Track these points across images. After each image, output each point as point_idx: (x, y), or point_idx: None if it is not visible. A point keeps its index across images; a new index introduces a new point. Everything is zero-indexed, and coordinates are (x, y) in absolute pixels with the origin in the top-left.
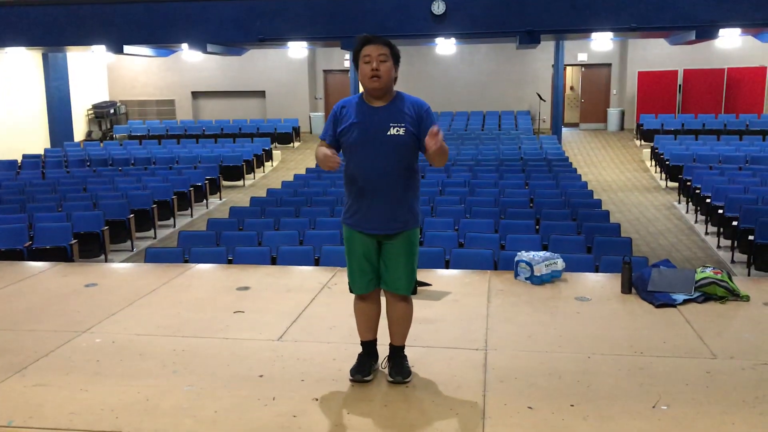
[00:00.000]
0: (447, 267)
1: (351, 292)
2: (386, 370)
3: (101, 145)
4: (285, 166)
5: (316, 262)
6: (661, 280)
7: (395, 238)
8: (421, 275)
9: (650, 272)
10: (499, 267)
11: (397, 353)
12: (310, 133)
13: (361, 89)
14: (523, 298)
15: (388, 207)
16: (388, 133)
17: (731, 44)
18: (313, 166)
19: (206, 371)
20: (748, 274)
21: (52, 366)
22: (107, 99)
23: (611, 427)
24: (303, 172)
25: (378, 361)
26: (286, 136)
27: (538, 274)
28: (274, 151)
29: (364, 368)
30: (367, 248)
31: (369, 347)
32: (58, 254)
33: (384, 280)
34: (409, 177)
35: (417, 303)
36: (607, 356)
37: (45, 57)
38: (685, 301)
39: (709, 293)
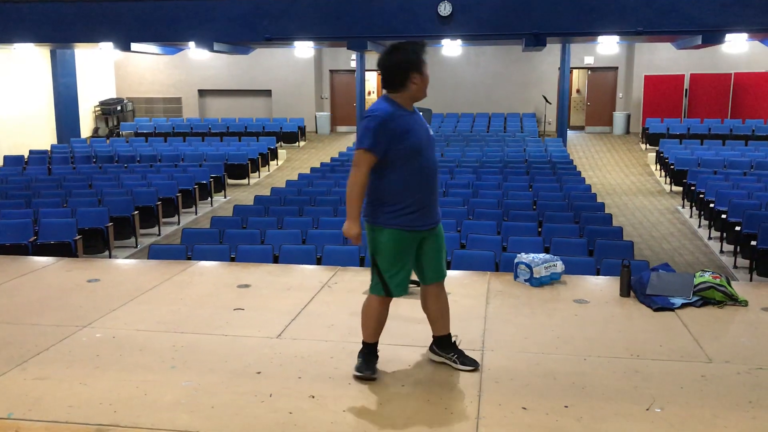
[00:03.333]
0: (448, 268)
1: (391, 296)
2: (450, 362)
3: (107, 141)
4: (290, 165)
5: (318, 261)
6: (660, 283)
7: (437, 228)
8: None
9: (649, 276)
10: (501, 269)
11: (450, 341)
12: (316, 132)
13: (372, 94)
14: (522, 300)
15: (438, 200)
16: (431, 132)
17: (738, 49)
18: (318, 165)
19: (205, 367)
20: (750, 280)
21: (52, 360)
22: (114, 96)
23: (604, 428)
24: (308, 171)
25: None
26: (292, 135)
27: (537, 276)
28: (279, 150)
29: (373, 366)
30: (414, 247)
31: (374, 348)
32: (63, 250)
33: (428, 274)
34: None
35: (415, 303)
36: (603, 358)
37: (53, 53)
38: (684, 305)
39: (708, 297)
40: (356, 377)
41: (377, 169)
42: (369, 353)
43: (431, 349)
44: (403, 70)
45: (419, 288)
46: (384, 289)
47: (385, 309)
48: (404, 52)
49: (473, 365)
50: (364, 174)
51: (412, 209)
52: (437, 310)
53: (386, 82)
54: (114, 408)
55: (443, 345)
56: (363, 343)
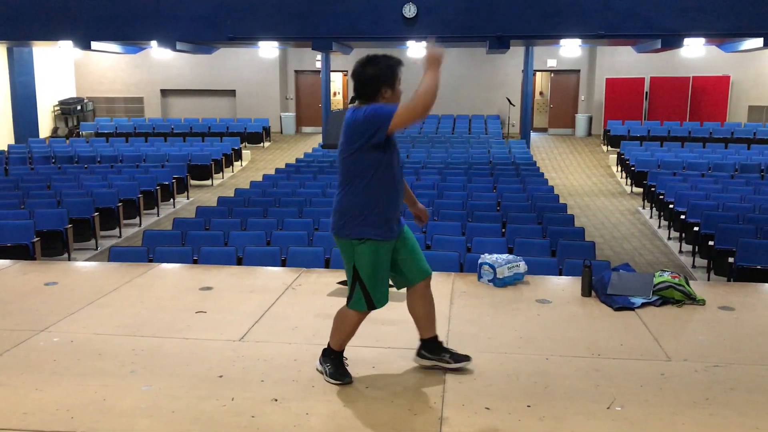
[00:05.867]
0: None
1: (372, 308)
2: (443, 363)
3: (67, 142)
4: (254, 166)
5: (283, 263)
6: (621, 283)
7: (404, 230)
8: None
9: (610, 276)
10: (465, 269)
11: (438, 342)
12: (281, 133)
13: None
14: (485, 300)
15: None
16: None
17: (696, 53)
18: (283, 166)
19: (165, 371)
20: (708, 279)
21: (7, 365)
22: (74, 95)
23: (567, 427)
24: (272, 172)
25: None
26: (256, 135)
27: (501, 277)
28: (243, 151)
29: (346, 371)
30: (390, 256)
31: (342, 354)
32: (20, 252)
33: (412, 274)
34: None
35: None
36: (565, 358)
37: (10, 51)
38: (643, 305)
39: (667, 297)
40: (336, 385)
41: (350, 181)
42: (337, 359)
43: (419, 354)
44: (373, 83)
45: (396, 290)
46: (367, 304)
47: (361, 322)
48: (378, 65)
49: (466, 359)
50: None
51: (385, 218)
52: (424, 311)
53: (358, 93)
54: (71, 414)
55: (432, 348)
56: (330, 349)
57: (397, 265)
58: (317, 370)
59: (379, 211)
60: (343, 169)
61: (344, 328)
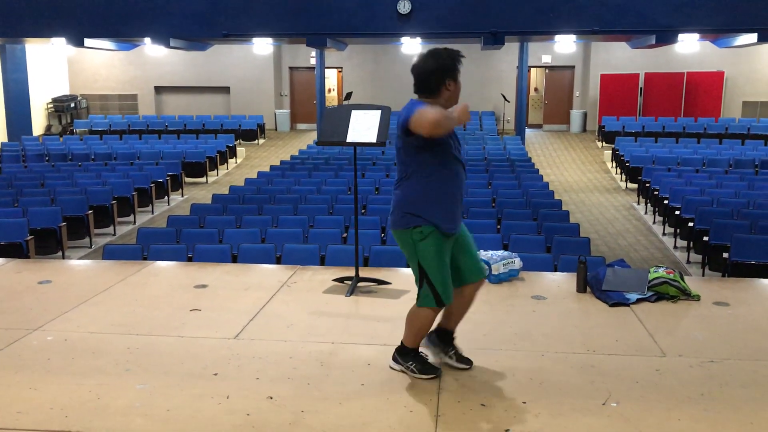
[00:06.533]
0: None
1: (441, 305)
2: (446, 357)
3: (61, 139)
4: (249, 163)
5: (278, 261)
6: (616, 279)
7: (463, 228)
8: (383, 274)
9: (605, 272)
10: None
11: (452, 337)
12: (275, 130)
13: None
14: (481, 297)
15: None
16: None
17: (690, 49)
18: (278, 163)
19: (160, 370)
20: (703, 274)
21: (0, 364)
22: (68, 93)
23: (562, 423)
24: (267, 169)
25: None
26: (251, 132)
27: (496, 273)
28: (238, 148)
29: (431, 364)
30: (450, 251)
31: (418, 349)
32: (13, 250)
33: (467, 274)
34: None
35: (375, 301)
36: (560, 354)
37: (2, 48)
38: (639, 301)
39: (662, 293)
40: (428, 379)
41: (408, 176)
42: (417, 356)
43: (429, 337)
44: (438, 76)
45: (384, 286)
46: (435, 299)
47: (435, 318)
48: (440, 57)
49: (467, 363)
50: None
51: (452, 212)
52: (460, 309)
53: (420, 87)
54: (65, 413)
55: (444, 338)
56: (406, 348)
57: (453, 264)
58: (393, 369)
59: (439, 205)
60: (399, 165)
61: (417, 325)
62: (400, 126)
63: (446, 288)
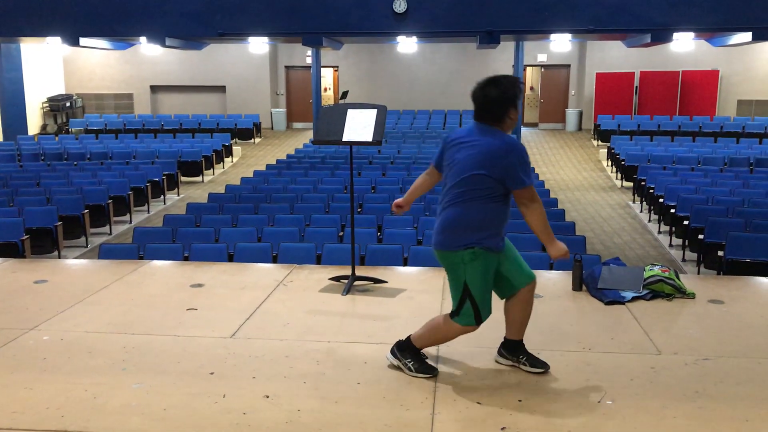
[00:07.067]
0: (405, 264)
1: (480, 323)
2: (521, 365)
3: (56, 138)
4: (245, 162)
5: (274, 259)
6: (611, 277)
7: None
8: (380, 272)
9: (601, 270)
10: None
11: (520, 345)
12: (272, 129)
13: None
14: None
15: None
16: None
17: (685, 48)
18: (274, 162)
19: (156, 369)
20: (698, 272)
21: None
22: (63, 92)
23: (558, 422)
24: (263, 168)
25: None
26: (247, 131)
27: None
28: (234, 147)
29: (431, 365)
30: (495, 267)
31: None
32: (9, 250)
33: (518, 281)
34: None
35: (371, 300)
36: (556, 352)
37: None
38: (634, 299)
39: (657, 291)
40: (424, 378)
41: (469, 199)
42: (417, 355)
43: (500, 352)
44: (502, 105)
45: (381, 285)
46: (476, 318)
47: (460, 336)
48: (501, 86)
49: (543, 366)
50: (541, 204)
51: (500, 231)
52: (521, 315)
53: (483, 115)
54: (62, 413)
55: (513, 349)
56: (410, 345)
57: (501, 275)
58: (391, 364)
59: (494, 227)
60: (458, 186)
61: (439, 335)
62: (492, 166)
63: (486, 306)
